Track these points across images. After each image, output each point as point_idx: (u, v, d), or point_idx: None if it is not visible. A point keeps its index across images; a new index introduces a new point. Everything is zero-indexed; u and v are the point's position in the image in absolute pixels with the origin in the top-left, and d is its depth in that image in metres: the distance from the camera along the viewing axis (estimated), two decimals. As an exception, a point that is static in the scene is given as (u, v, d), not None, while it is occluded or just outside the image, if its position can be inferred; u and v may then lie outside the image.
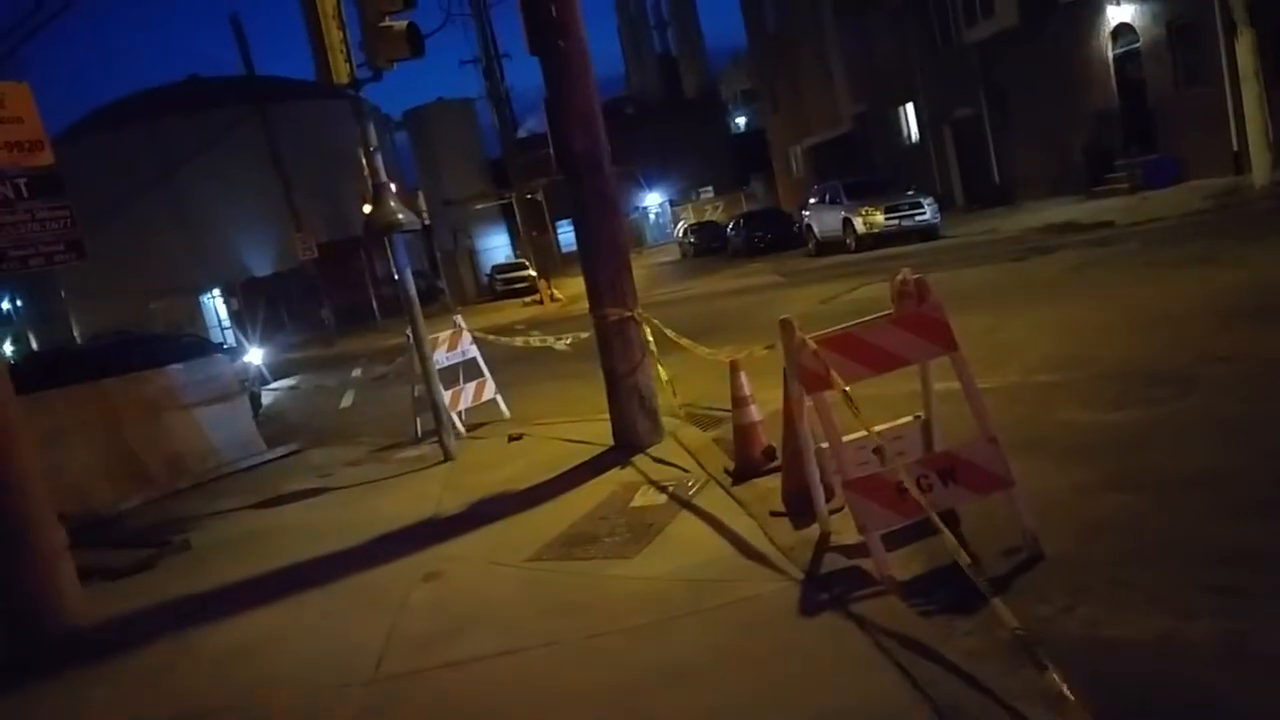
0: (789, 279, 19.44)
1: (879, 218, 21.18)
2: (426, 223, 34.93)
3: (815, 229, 24.18)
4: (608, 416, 7.05)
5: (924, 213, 21.06)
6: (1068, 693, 2.53)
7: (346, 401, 14.83)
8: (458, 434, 8.40)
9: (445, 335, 9.27)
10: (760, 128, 47.32)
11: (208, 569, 5.96)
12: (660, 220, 57.02)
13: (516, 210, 33.43)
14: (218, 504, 7.88)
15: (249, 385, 12.85)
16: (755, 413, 5.75)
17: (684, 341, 6.83)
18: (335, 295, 32.85)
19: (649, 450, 6.64)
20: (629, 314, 6.78)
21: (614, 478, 6.16)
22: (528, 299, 31.40)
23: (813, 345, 3.74)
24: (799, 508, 4.62)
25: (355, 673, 3.90)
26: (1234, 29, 15.02)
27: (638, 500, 5.59)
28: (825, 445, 4.07)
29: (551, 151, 6.82)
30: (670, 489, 5.62)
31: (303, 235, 29.72)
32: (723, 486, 5.48)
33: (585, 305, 7.16)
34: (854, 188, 23.04)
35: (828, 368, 3.65)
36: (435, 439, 7.99)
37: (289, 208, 30.35)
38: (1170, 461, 4.47)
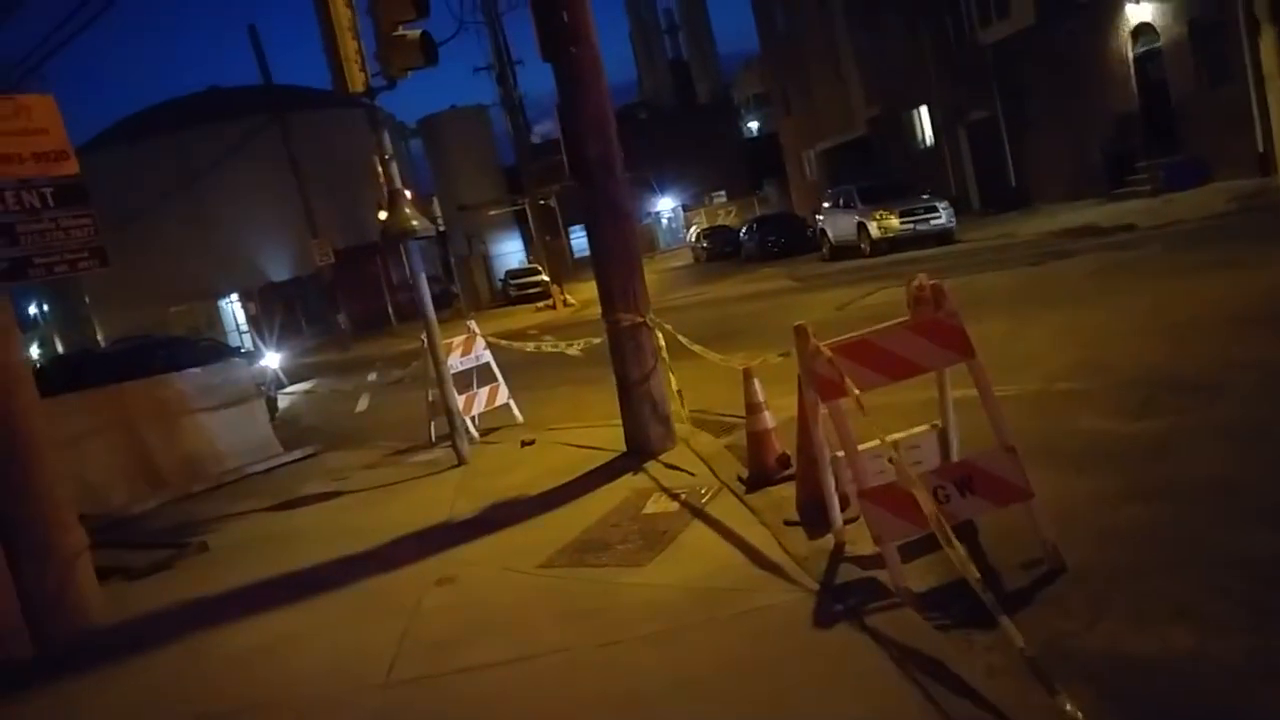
0: (803, 284, 19.37)
1: (894, 222, 21.08)
2: (441, 229, 35.15)
3: (829, 233, 24.09)
4: (620, 422, 7.04)
5: (939, 217, 20.94)
6: (1081, 717, 2.49)
7: (362, 405, 14.89)
8: (471, 439, 8.42)
9: (459, 340, 9.29)
10: (773, 132, 47.27)
11: (224, 570, 5.99)
12: (673, 225, 57.05)
13: (530, 216, 33.50)
14: (235, 506, 7.93)
15: (266, 389, 12.93)
16: (769, 420, 5.72)
17: (696, 348, 6.81)
18: (351, 300, 33.01)
19: (661, 456, 6.61)
20: (641, 320, 6.76)
21: (626, 484, 6.14)
22: (540, 304, 31.46)
23: (827, 352, 3.71)
24: (813, 517, 4.58)
25: (368, 677, 3.90)
26: (1257, 27, 14.83)
27: (650, 507, 5.56)
28: (840, 454, 4.03)
29: (564, 157, 6.80)
30: (683, 496, 5.59)
31: (320, 241, 29.91)
32: (736, 494, 5.44)
33: (597, 310, 7.15)
34: (868, 191, 22.93)
35: (843, 375, 3.62)
36: (449, 443, 8.00)
37: (306, 214, 30.53)
38: (1194, 471, 4.39)
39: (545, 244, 32.48)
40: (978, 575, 3.05)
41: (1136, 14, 19.73)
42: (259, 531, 6.96)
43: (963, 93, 26.67)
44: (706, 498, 5.49)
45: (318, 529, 6.71)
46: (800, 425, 4.61)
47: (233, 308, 42.54)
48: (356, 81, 7.18)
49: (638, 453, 6.78)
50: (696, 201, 55.73)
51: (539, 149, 35.80)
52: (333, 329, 31.74)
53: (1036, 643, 2.93)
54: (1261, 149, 16.53)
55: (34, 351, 46.80)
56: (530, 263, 41.48)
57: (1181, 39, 18.73)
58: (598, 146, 6.65)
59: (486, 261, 44.84)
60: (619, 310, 6.76)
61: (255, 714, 3.84)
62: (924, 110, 29.69)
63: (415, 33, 7.17)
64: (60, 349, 46.96)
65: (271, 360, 18.40)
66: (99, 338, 41.28)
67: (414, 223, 7.60)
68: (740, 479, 5.71)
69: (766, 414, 5.72)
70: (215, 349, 14.99)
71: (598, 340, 8.07)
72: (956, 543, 3.06)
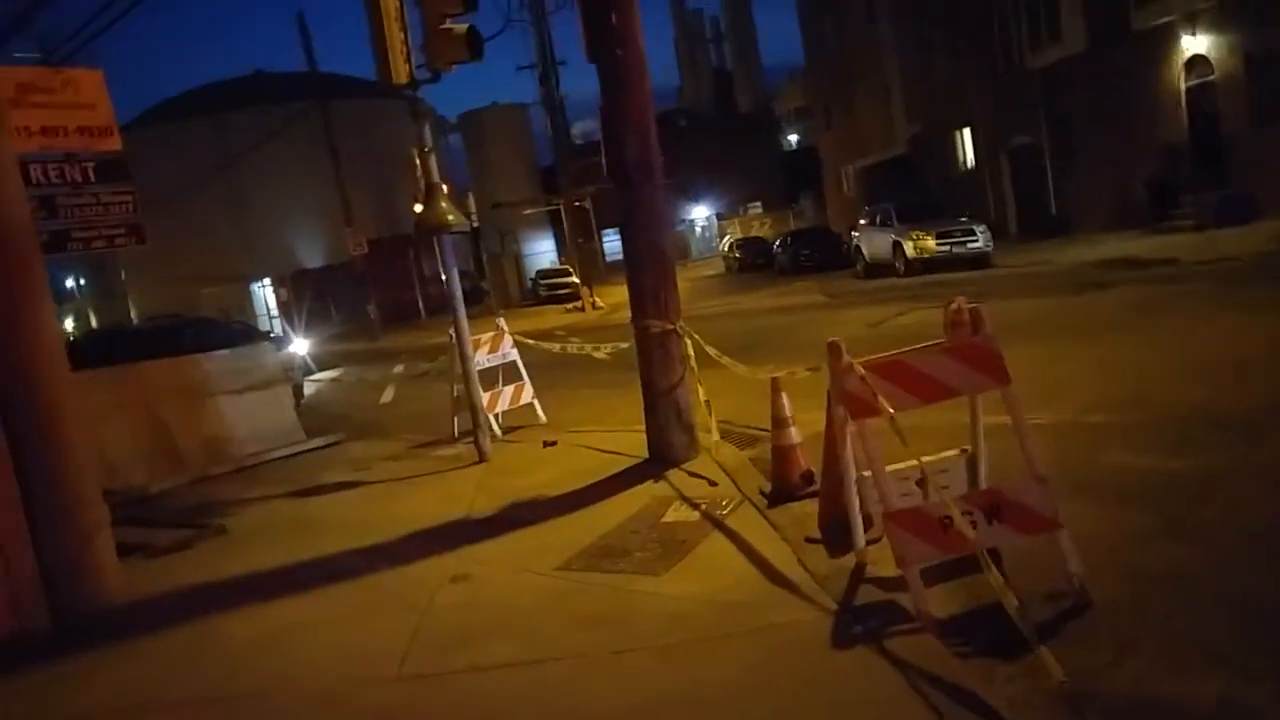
0: (835, 300, 19.24)
1: (930, 243, 20.88)
2: (475, 225, 35.35)
3: (864, 250, 23.93)
4: (643, 428, 7.00)
5: (976, 240, 20.71)
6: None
7: (387, 396, 14.96)
8: (494, 436, 8.41)
9: (487, 337, 9.30)
10: (812, 145, 47.11)
11: (242, 554, 6.02)
12: (706, 233, 56.99)
13: (564, 217, 33.61)
14: (256, 490, 7.97)
15: (293, 375, 13.01)
16: (795, 435, 5.65)
17: (725, 360, 6.75)
18: (382, 291, 33.28)
19: (684, 465, 6.56)
20: (671, 326, 6.72)
21: (646, 491, 6.10)
22: (569, 305, 31.53)
23: (861, 370, 3.65)
24: (835, 535, 4.51)
25: (378, 670, 3.89)
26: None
27: (669, 516, 5.52)
28: (867, 474, 3.96)
29: (603, 158, 6.77)
30: (703, 507, 5.54)
31: (354, 231, 30.18)
32: (757, 508, 5.38)
33: (625, 314, 7.11)
34: (906, 211, 22.74)
35: (875, 394, 3.55)
36: (472, 439, 8.00)
37: (342, 203, 30.84)
38: (1233, 514, 4.28)
39: (578, 246, 32.58)
40: (1016, 603, 2.98)
41: (1192, 45, 19.45)
42: (278, 517, 6.99)
43: (1007, 116, 26.42)
44: (727, 510, 5.44)
45: (336, 518, 6.72)
46: (827, 442, 4.55)
47: (264, 292, 43.02)
48: (401, 73, 7.20)
49: (660, 460, 6.74)
50: (731, 211, 55.65)
51: (577, 150, 35.96)
52: (362, 318, 32.00)
53: (1054, 677, 2.85)
54: (1315, 188, 16.17)
55: (69, 325, 47.62)
56: (562, 264, 41.61)
57: (1236, 72, 18.42)
58: (637, 149, 6.62)
59: (518, 260, 45.07)
60: (650, 316, 6.73)
61: (265, 700, 3.83)
62: (967, 132, 29.45)
63: (462, 27, 7.18)
64: (94, 323, 47.73)
65: (300, 346, 18.55)
66: (132, 314, 41.91)
67: (450, 217, 7.61)
68: (763, 493, 5.65)
69: (792, 429, 5.65)
70: (245, 332, 15.13)
71: (625, 344, 8.05)
72: (994, 569, 2.99)
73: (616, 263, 30.72)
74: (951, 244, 20.73)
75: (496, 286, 39.24)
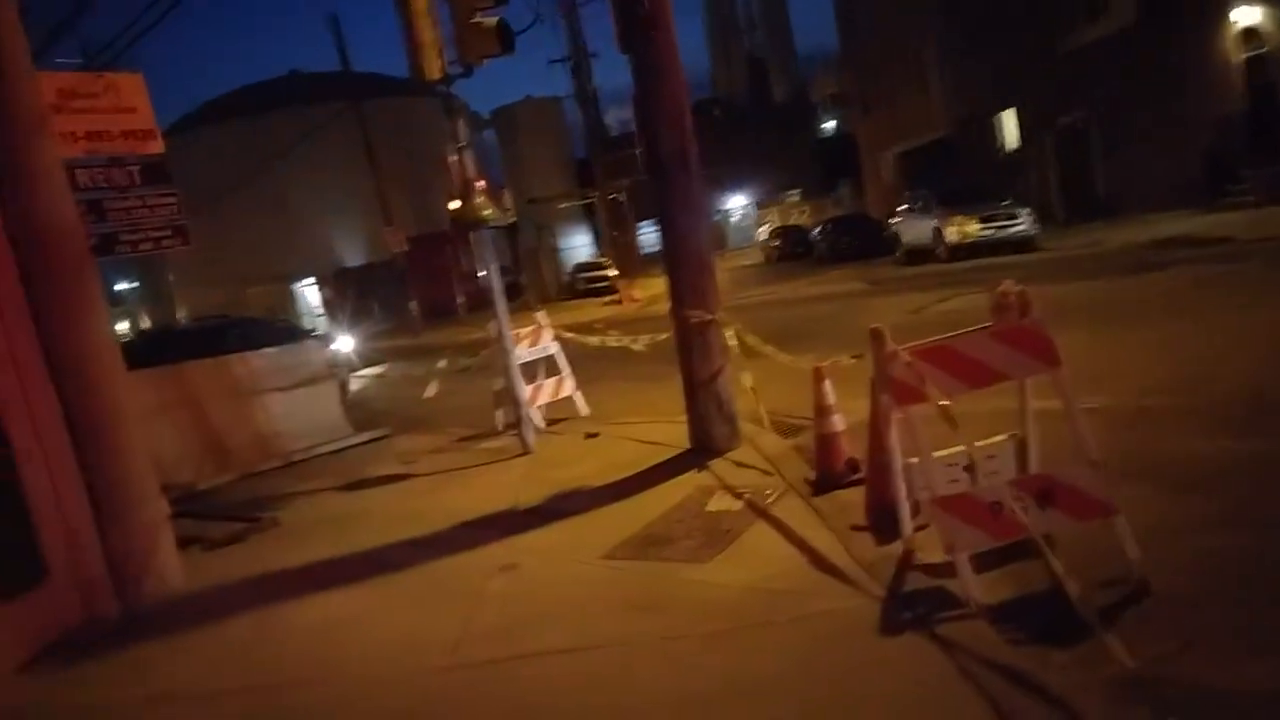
0: (875, 287, 19.04)
1: (972, 227, 20.53)
2: (512, 220, 35.52)
3: (904, 237, 23.62)
4: (684, 419, 7.00)
5: (1020, 223, 20.33)
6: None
7: (431, 391, 15.04)
8: (536, 428, 8.47)
9: (527, 331, 9.36)
10: (850, 131, 46.57)
11: (295, 546, 6.15)
12: (744, 223, 56.66)
13: (600, 210, 33.65)
14: (306, 484, 8.12)
15: (338, 371, 13.20)
16: (839, 422, 5.61)
17: (767, 348, 6.72)
18: (423, 288, 33.60)
19: (726, 455, 6.56)
20: (711, 317, 6.70)
21: (689, 481, 6.11)
22: (607, 298, 31.57)
23: (906, 356, 3.62)
24: (882, 523, 4.48)
25: (431, 658, 3.95)
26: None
27: (713, 505, 5.52)
28: (914, 460, 3.93)
29: (638, 149, 6.77)
30: (747, 496, 5.53)
31: (393, 229, 30.51)
32: (802, 496, 5.37)
33: (663, 307, 7.12)
34: (946, 195, 22.37)
35: (923, 380, 3.52)
36: (515, 432, 8.08)
37: (380, 201, 31.18)
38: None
39: (614, 239, 32.61)
40: (1078, 589, 2.94)
41: (1244, 17, 18.86)
42: (329, 510, 7.12)
43: (1051, 95, 25.83)
44: (771, 498, 5.43)
45: (385, 510, 6.83)
46: (872, 429, 4.52)
47: (308, 290, 43.68)
48: (433, 69, 7.25)
49: (702, 450, 6.74)
50: (769, 200, 55.28)
51: (612, 142, 35.93)
52: (404, 315, 32.37)
53: (1115, 666, 2.80)
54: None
55: (122, 327, 48.83)
56: (598, 257, 41.67)
57: (1290, 43, 17.85)
58: (673, 139, 6.61)
59: (555, 254, 45.18)
60: (689, 306, 6.72)
61: (320, 688, 3.92)
62: (1009, 113, 28.87)
63: (492, 20, 7.20)
64: (145, 325, 48.87)
65: (344, 343, 18.81)
66: (179, 315, 42.83)
67: (486, 212, 7.67)
68: (807, 481, 5.63)
69: (836, 416, 5.62)
70: (290, 330, 15.40)
71: (663, 336, 8.05)
72: (1053, 557, 2.95)
73: (653, 255, 30.69)
74: (995, 228, 20.36)
75: (534, 281, 39.41)
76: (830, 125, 62.54)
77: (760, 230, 46.65)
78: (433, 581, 5.01)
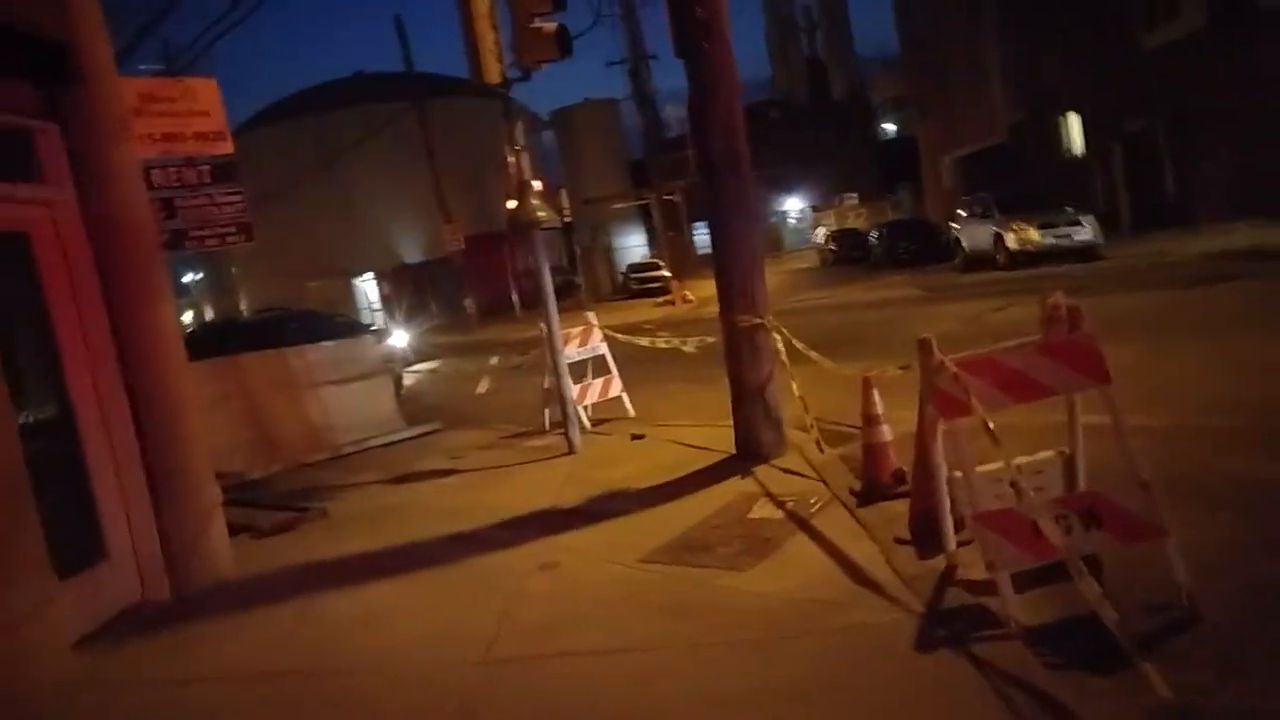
0: (932, 294, 18.74)
1: (1033, 234, 20.06)
2: (568, 220, 35.76)
3: (963, 243, 23.20)
4: (731, 424, 6.98)
5: (1084, 231, 19.81)
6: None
7: (482, 388, 15.32)
8: (583, 428, 8.53)
9: (577, 331, 9.44)
10: (910, 135, 45.90)
11: (342, 537, 6.29)
12: (800, 225, 56.22)
13: (655, 210, 33.70)
14: (356, 476, 8.30)
15: (393, 366, 13.46)
16: (887, 433, 5.54)
17: (813, 354, 6.67)
18: (478, 285, 34.07)
19: (771, 462, 6.53)
20: (760, 321, 6.68)
21: (733, 487, 6.10)
22: (660, 299, 31.60)
23: (952, 368, 3.57)
24: (925, 537, 4.41)
25: (466, 652, 4.01)
26: None
27: (755, 512, 5.50)
28: (958, 474, 3.87)
29: (691, 153, 6.79)
30: (790, 504, 5.50)
31: (451, 227, 30.97)
32: (846, 507, 5.32)
33: (716, 308, 7.10)
34: (1007, 201, 21.90)
35: (968, 393, 3.47)
36: (562, 431, 8.15)
37: (439, 200, 31.65)
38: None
39: (668, 239, 32.64)
40: (1116, 615, 2.87)
41: (1321, 21, 18.12)
42: (376, 503, 7.26)
43: (1119, 100, 25.12)
44: (815, 508, 5.39)
45: (431, 504, 6.95)
46: (918, 441, 4.45)
47: (366, 285, 44.52)
48: (492, 72, 7.36)
49: (747, 456, 6.72)
50: (826, 202, 54.77)
51: (668, 143, 35.97)
52: (459, 312, 32.83)
53: (1152, 696, 2.72)
54: None
55: (187, 317, 50.37)
56: (652, 257, 41.74)
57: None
58: (725, 144, 6.60)
59: (609, 254, 45.38)
60: (738, 310, 6.71)
61: (360, 676, 4.01)
62: (1073, 118, 28.16)
63: (551, 25, 7.29)
64: (209, 316, 50.32)
65: (400, 339, 19.14)
66: (242, 307, 43.97)
67: (540, 213, 7.76)
68: (852, 491, 5.56)
69: (884, 426, 5.55)
70: (349, 325, 15.72)
71: (713, 338, 8.04)
72: (1088, 578, 2.88)
73: (707, 256, 30.42)
74: (1056, 235, 19.87)
75: (588, 280, 39.59)
76: (890, 128, 61.71)
77: (816, 233, 46.23)
78: (473, 577, 5.09)
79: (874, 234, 33.07)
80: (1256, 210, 19.70)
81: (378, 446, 9.71)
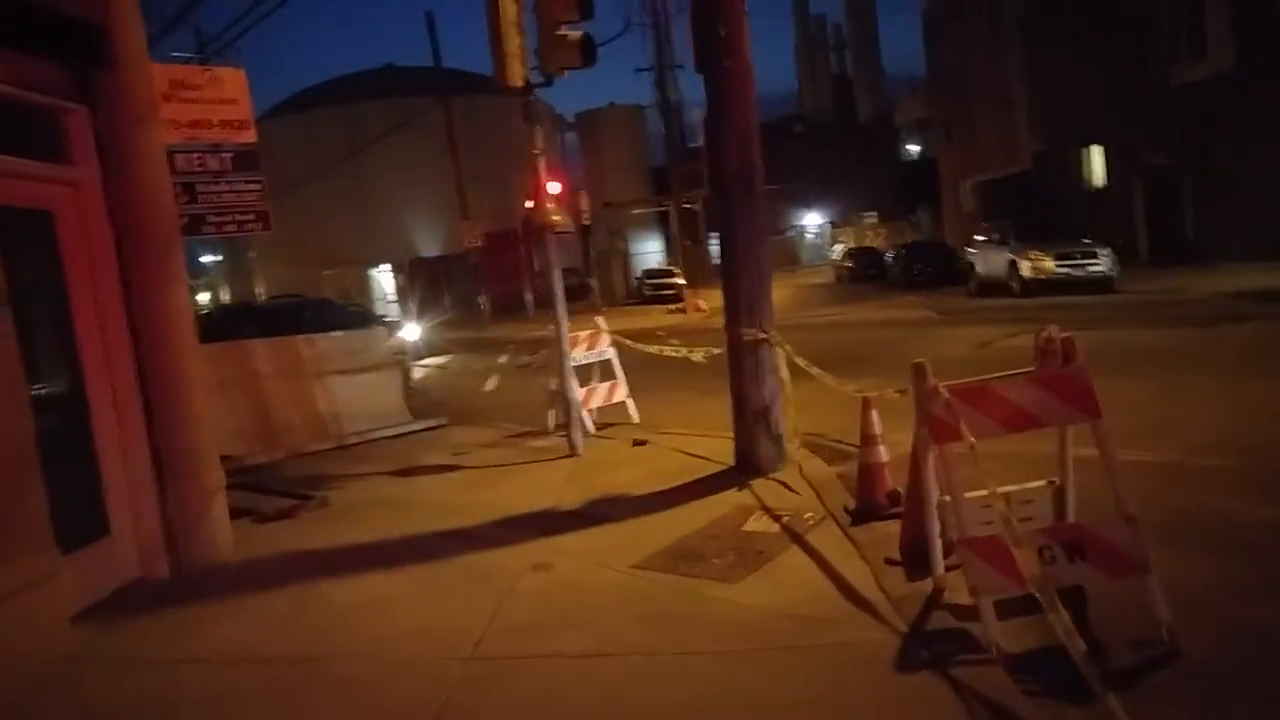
0: (944, 317, 18.74)
1: (1048, 263, 20.04)
2: (586, 223, 35.90)
3: (978, 268, 23.18)
4: (733, 435, 7.03)
5: (1099, 264, 19.77)
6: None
7: (490, 385, 15.41)
8: (586, 431, 8.59)
9: (585, 335, 9.50)
10: (932, 157, 45.87)
11: (341, 526, 6.37)
12: (817, 241, 56.24)
13: (673, 218, 33.78)
14: (360, 467, 8.38)
15: (403, 359, 13.57)
16: (883, 453, 5.58)
17: (814, 370, 6.71)
18: (493, 283, 34.19)
19: (770, 476, 6.57)
20: (764, 336, 6.73)
21: (729, 499, 6.14)
22: (672, 306, 31.65)
23: (945, 394, 3.62)
24: (915, 558, 4.45)
25: (454, 648, 4.08)
26: None
27: (750, 525, 5.55)
28: (948, 498, 3.92)
29: (705, 165, 6.86)
30: (785, 519, 5.55)
31: (470, 223, 31.13)
32: (840, 525, 5.37)
33: (725, 320, 7.15)
34: (1024, 229, 21.88)
35: (959, 420, 3.52)
36: (564, 433, 8.21)
37: (459, 196, 31.81)
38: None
39: (685, 248, 32.70)
40: (1083, 647, 2.91)
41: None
42: (378, 494, 7.34)
43: (1143, 134, 25.09)
44: (809, 524, 5.44)
45: (431, 499, 7.01)
46: (912, 464, 4.50)
47: (382, 277, 44.75)
48: (516, 76, 7.44)
49: (746, 469, 6.77)
50: (844, 220, 54.77)
51: (689, 152, 35.99)
52: (472, 308, 32.97)
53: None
54: None
55: (203, 298, 50.72)
56: (668, 264, 41.81)
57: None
58: (738, 160, 6.67)
59: (625, 259, 45.49)
60: (743, 324, 6.77)
61: (346, 665, 4.07)
62: (1096, 150, 28.12)
63: (576, 33, 7.38)
64: (226, 298, 50.68)
65: (412, 332, 19.26)
66: (259, 291, 44.26)
67: (555, 217, 7.85)
68: (847, 510, 5.61)
69: (881, 447, 5.59)
70: (362, 315, 15.86)
71: (720, 349, 8.08)
72: (1061, 610, 2.92)
73: (722, 267, 30.40)
74: (1071, 266, 19.84)
75: (602, 284, 39.69)
76: (914, 149, 61.68)
77: (834, 249, 46.23)
78: (468, 573, 5.15)
79: (890, 254, 33.04)
80: (1274, 252, 19.62)
81: (383, 438, 9.79)
